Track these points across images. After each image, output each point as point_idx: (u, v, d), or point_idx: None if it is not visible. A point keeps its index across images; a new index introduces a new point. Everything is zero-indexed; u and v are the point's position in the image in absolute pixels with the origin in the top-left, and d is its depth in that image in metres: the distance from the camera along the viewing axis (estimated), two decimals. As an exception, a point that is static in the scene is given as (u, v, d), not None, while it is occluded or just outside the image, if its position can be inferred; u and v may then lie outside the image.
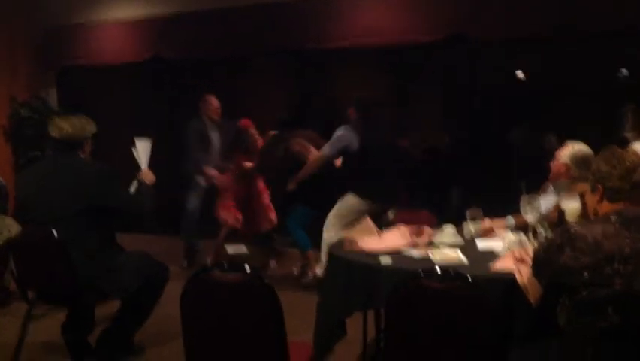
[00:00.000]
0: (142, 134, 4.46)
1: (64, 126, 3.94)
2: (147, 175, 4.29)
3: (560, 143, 4.01)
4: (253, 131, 6.60)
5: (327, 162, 5.71)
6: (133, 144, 4.41)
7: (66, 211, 3.79)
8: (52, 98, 9.47)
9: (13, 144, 8.94)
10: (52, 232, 3.76)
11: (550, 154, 3.99)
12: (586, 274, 2.33)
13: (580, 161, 3.84)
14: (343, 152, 5.61)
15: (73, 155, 4.01)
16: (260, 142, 6.57)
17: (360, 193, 5.44)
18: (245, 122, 6.66)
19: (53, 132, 3.95)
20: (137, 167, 4.35)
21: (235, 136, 6.62)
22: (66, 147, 3.99)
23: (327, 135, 5.81)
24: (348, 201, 5.47)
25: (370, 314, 4.20)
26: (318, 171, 5.73)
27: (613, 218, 2.43)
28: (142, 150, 4.38)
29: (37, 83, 9.34)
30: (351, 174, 5.65)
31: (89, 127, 4.07)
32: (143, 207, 4.17)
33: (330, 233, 5.42)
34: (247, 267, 2.63)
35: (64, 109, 9.22)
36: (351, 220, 4.98)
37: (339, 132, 5.58)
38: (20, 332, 3.97)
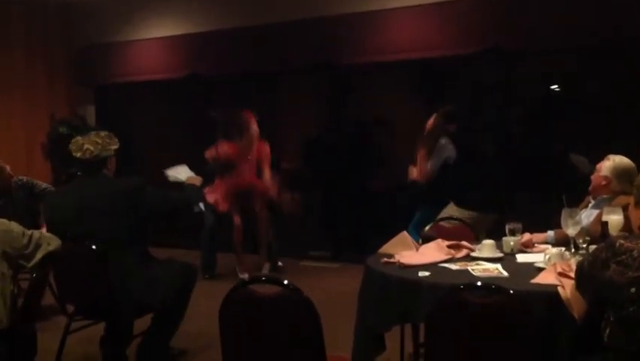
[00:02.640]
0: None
1: (86, 146, 3.96)
2: (193, 180, 4.39)
3: (598, 155, 3.95)
4: (253, 122, 6.66)
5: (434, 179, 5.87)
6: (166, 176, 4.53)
7: (106, 231, 3.80)
8: (91, 115, 9.63)
9: (52, 162, 9.09)
10: (91, 247, 3.80)
11: (579, 173, 3.96)
12: (632, 289, 2.27)
13: (621, 174, 3.77)
14: (445, 162, 5.78)
15: (99, 173, 4.01)
16: (256, 132, 6.65)
17: (461, 203, 5.49)
18: (247, 112, 6.74)
19: (76, 153, 3.98)
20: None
21: (231, 120, 6.73)
22: (91, 167, 4.00)
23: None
24: (449, 211, 5.49)
25: (408, 329, 4.17)
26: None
27: (659, 232, 2.38)
28: (178, 173, 4.46)
29: (76, 101, 9.52)
30: (450, 185, 5.74)
31: (112, 144, 4.06)
32: (189, 200, 4.29)
33: None
34: (286, 281, 2.63)
35: (102, 126, 9.36)
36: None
37: (442, 143, 5.78)
38: (59, 345, 4.01)
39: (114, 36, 9.21)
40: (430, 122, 6.01)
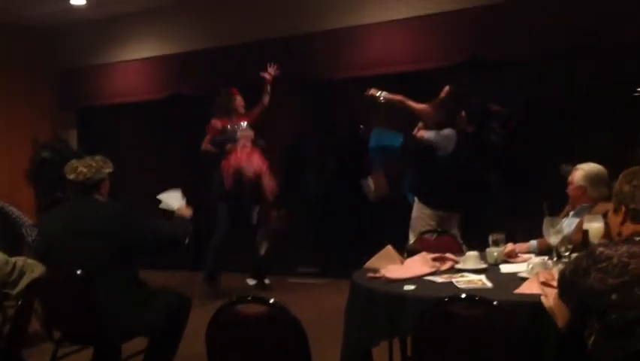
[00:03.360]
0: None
1: (79, 169, 3.95)
2: (183, 210, 4.31)
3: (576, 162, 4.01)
4: (239, 97, 6.95)
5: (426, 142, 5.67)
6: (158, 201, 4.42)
7: (92, 255, 3.77)
8: (73, 138, 9.61)
9: (35, 187, 9.05)
10: (76, 272, 3.78)
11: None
12: (614, 296, 2.30)
13: (594, 179, 3.85)
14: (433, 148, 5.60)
15: (90, 197, 3.99)
16: (242, 107, 6.95)
17: (427, 202, 5.54)
18: (233, 89, 7.03)
19: (70, 175, 3.96)
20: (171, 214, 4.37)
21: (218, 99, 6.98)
22: (83, 189, 3.98)
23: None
24: (417, 211, 5.57)
25: (396, 343, 4.17)
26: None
27: (638, 239, 2.41)
28: (170, 200, 4.38)
29: (59, 125, 9.49)
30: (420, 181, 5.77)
31: (105, 167, 4.06)
32: (175, 235, 4.18)
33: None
34: (272, 300, 2.64)
35: (85, 149, 9.34)
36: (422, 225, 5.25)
37: (447, 130, 5.60)
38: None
39: (96, 58, 9.22)
40: (445, 91, 5.77)
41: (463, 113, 5.71)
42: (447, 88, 5.69)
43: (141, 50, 8.95)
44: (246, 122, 6.98)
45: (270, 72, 7.19)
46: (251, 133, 6.96)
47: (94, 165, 3.99)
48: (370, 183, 6.40)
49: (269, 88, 7.15)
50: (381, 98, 5.81)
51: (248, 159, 6.84)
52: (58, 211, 4.23)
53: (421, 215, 5.56)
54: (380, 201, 7.02)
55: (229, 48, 8.22)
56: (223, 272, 7.05)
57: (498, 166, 7.06)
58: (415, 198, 5.65)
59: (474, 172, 5.82)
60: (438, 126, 5.61)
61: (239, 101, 7.01)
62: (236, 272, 7.27)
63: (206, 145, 6.97)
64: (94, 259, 3.76)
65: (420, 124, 5.74)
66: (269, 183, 6.96)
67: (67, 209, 4.14)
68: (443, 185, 5.50)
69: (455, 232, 5.47)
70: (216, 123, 6.96)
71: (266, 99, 7.15)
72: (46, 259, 3.76)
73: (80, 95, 9.43)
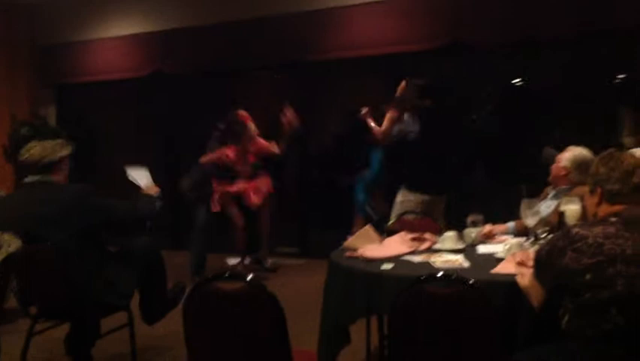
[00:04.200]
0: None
1: (32, 150, 3.88)
2: (150, 189, 4.28)
3: (561, 148, 4.03)
4: (250, 123, 6.75)
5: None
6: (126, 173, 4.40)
7: (52, 238, 3.70)
8: (52, 115, 9.51)
9: (14, 164, 8.96)
10: (51, 248, 3.76)
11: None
12: (588, 275, 2.33)
13: (580, 165, 3.85)
14: (403, 136, 5.57)
15: (45, 179, 3.90)
16: (255, 133, 6.73)
17: (413, 187, 5.51)
18: (242, 113, 6.80)
19: (22, 156, 3.89)
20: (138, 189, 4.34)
21: (228, 124, 6.77)
22: (36, 171, 3.90)
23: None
24: (402, 197, 5.54)
25: (374, 321, 4.20)
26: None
27: (613, 220, 2.44)
28: (138, 176, 4.35)
29: (37, 102, 9.38)
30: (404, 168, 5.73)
31: (61, 150, 3.97)
32: (138, 214, 4.14)
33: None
34: (249, 276, 2.64)
35: (64, 127, 9.26)
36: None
37: (405, 118, 5.58)
38: (23, 347, 3.97)
39: (76, 35, 9.10)
40: (402, 87, 5.73)
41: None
42: (403, 83, 5.67)
43: (122, 27, 8.85)
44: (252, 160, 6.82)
45: (289, 118, 6.77)
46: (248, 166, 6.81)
47: (48, 147, 3.90)
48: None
49: (287, 138, 6.85)
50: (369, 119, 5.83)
51: (248, 190, 6.78)
52: (15, 194, 4.15)
53: (405, 200, 5.54)
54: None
55: (212, 27, 8.15)
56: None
57: (477, 150, 7.12)
58: (401, 187, 5.64)
59: (450, 152, 5.81)
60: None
61: (252, 129, 6.77)
62: (218, 252, 7.25)
63: (205, 160, 6.81)
64: (54, 242, 3.69)
65: (364, 109, 5.80)
66: (266, 215, 6.95)
67: (24, 192, 4.00)
68: (429, 170, 5.52)
69: (440, 219, 5.45)
70: (229, 155, 6.71)
71: (281, 149, 6.89)
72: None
73: (59, 72, 9.31)
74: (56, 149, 3.92)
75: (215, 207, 6.74)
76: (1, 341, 3.35)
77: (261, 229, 7.06)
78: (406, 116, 5.58)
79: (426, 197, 5.39)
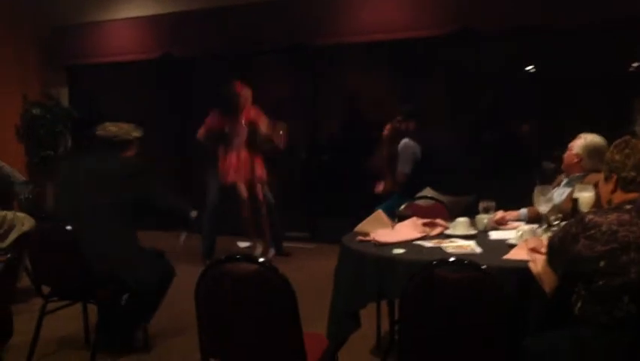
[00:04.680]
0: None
1: (110, 128, 4.23)
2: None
3: (571, 135, 4.00)
4: (245, 94, 6.71)
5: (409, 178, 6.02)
6: None
7: (96, 204, 3.97)
8: (64, 96, 9.53)
9: (26, 144, 9.00)
10: (65, 227, 3.80)
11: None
12: (601, 262, 2.32)
13: (592, 151, 3.83)
14: (415, 160, 5.95)
15: (114, 153, 4.20)
16: (248, 101, 6.69)
17: (436, 188, 5.62)
18: (238, 83, 6.76)
19: (99, 131, 4.21)
20: None
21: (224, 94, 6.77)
22: (108, 147, 4.20)
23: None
24: (425, 193, 5.61)
25: (384, 306, 4.22)
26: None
27: (628, 207, 2.43)
28: None
29: (49, 82, 9.39)
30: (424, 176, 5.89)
31: (134, 132, 4.31)
32: (171, 210, 4.46)
33: None
34: (261, 258, 2.65)
35: (76, 107, 9.29)
36: None
37: (404, 144, 5.97)
38: (36, 326, 4.01)
39: (87, 16, 9.09)
40: (387, 129, 6.25)
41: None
42: (388, 126, 6.21)
43: (133, 8, 8.83)
44: (244, 122, 6.73)
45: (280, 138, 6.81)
46: (244, 136, 6.73)
47: (124, 127, 4.27)
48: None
49: (280, 139, 6.81)
50: None
51: (239, 169, 6.74)
52: (78, 160, 4.39)
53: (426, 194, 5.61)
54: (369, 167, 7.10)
55: (222, 10, 8.12)
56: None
57: (486, 138, 7.09)
58: (427, 189, 5.72)
59: (465, 154, 5.99)
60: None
61: (244, 100, 6.72)
62: (227, 235, 7.27)
63: (200, 135, 6.83)
64: (95, 207, 3.96)
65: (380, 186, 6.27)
66: (260, 193, 6.87)
67: (86, 160, 4.29)
68: (451, 170, 5.63)
69: None
70: (214, 122, 6.73)
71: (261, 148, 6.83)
72: (58, 202, 4.08)
73: (70, 53, 9.31)
74: (130, 130, 4.27)
75: (231, 177, 6.72)
76: (15, 321, 3.38)
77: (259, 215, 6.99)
78: (404, 142, 5.97)
79: (448, 197, 5.44)
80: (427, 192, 5.56)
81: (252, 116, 6.69)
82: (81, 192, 4.05)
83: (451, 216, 4.15)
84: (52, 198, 4.12)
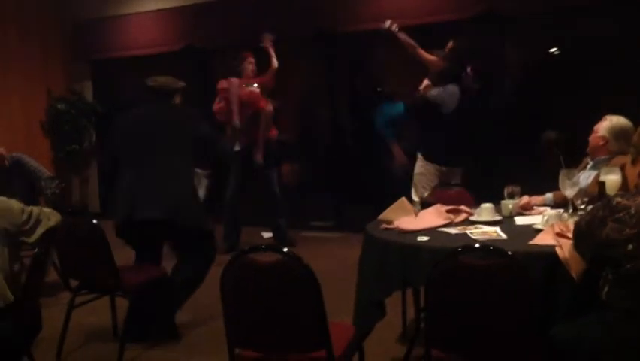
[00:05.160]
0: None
1: (159, 79, 4.58)
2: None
3: (597, 116, 3.94)
4: (249, 61, 6.92)
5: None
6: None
7: (160, 149, 4.32)
8: (88, 90, 9.60)
9: (51, 138, 9.10)
10: (92, 221, 3.84)
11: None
12: (630, 246, 2.29)
13: (618, 133, 3.76)
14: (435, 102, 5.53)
15: (166, 101, 4.55)
16: (252, 70, 6.89)
17: (429, 158, 5.57)
18: (247, 53, 6.97)
19: (150, 83, 4.55)
20: None
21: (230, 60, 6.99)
22: (159, 96, 4.54)
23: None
24: (419, 167, 5.61)
25: (409, 294, 4.20)
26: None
27: (656, 189, 2.39)
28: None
29: (73, 76, 9.48)
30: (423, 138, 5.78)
31: (180, 82, 4.68)
32: (221, 149, 4.98)
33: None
34: (285, 248, 2.65)
35: (99, 101, 9.35)
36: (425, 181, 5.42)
37: (450, 88, 5.51)
38: (64, 320, 4.06)
39: (109, 10, 9.15)
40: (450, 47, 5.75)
41: (470, 70, 5.62)
42: (451, 43, 5.67)
43: (154, 1, 8.87)
44: (255, 85, 6.88)
45: (268, 40, 7.01)
46: (255, 89, 6.86)
47: (170, 78, 4.65)
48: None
49: (273, 52, 6.96)
50: (395, 28, 5.89)
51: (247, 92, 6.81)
52: (137, 111, 4.64)
53: (424, 171, 5.55)
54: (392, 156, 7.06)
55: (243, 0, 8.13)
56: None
57: (511, 119, 7.00)
58: (419, 156, 5.63)
59: (478, 127, 5.78)
60: (444, 81, 5.55)
61: (247, 64, 6.89)
62: (252, 225, 7.29)
63: (215, 107, 6.93)
64: (162, 153, 4.31)
65: (426, 81, 5.68)
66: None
67: (144, 110, 4.59)
68: (447, 141, 5.48)
69: None
70: (222, 84, 6.87)
71: (274, 63, 6.94)
72: (117, 152, 4.45)
73: (93, 48, 9.37)
74: (176, 80, 4.65)
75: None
76: (43, 315, 3.42)
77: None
78: (452, 87, 5.52)
79: (443, 168, 5.43)
80: (421, 163, 5.58)
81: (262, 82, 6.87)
82: (145, 140, 4.35)
83: (473, 201, 4.12)
84: (78, 191, 4.18)
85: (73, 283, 4.13)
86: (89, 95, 9.55)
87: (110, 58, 9.29)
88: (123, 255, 4.32)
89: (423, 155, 5.57)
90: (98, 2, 9.17)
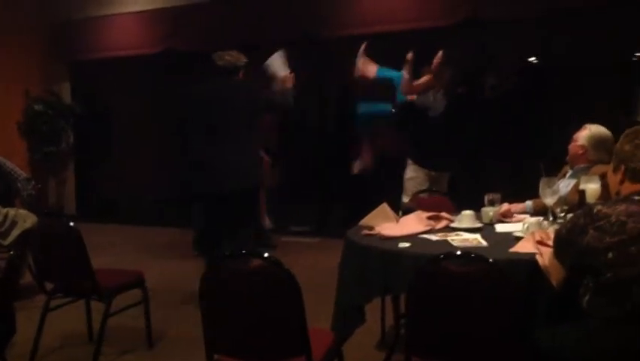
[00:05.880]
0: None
1: (225, 57, 4.98)
2: (288, 80, 5.10)
3: (577, 123, 3.97)
4: None
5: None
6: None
7: (232, 122, 4.79)
8: (66, 91, 9.51)
9: (28, 140, 8.99)
10: (69, 223, 3.79)
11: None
12: (610, 254, 2.29)
13: (597, 143, 3.79)
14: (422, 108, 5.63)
15: (232, 77, 4.98)
16: None
17: (419, 162, 5.65)
18: None
19: (218, 61, 4.95)
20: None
21: None
22: (227, 72, 4.97)
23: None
24: (410, 172, 5.67)
25: (388, 301, 4.19)
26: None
27: (636, 198, 2.39)
28: (276, 66, 5.14)
29: (51, 78, 9.38)
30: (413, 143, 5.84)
31: (242, 58, 5.05)
32: (276, 104, 5.18)
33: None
34: (266, 254, 2.62)
35: (78, 103, 9.27)
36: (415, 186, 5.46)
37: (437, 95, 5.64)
38: (39, 323, 3.99)
39: (89, 11, 9.08)
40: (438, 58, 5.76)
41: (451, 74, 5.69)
42: (440, 54, 5.69)
43: (135, 2, 8.81)
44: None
45: None
46: None
47: (234, 54, 5.02)
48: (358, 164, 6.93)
49: None
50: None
51: None
52: (206, 86, 5.04)
53: (414, 176, 5.60)
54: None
55: (224, 3, 8.10)
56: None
57: (493, 127, 7.03)
58: (409, 160, 5.68)
59: (465, 132, 5.82)
60: (452, 88, 5.68)
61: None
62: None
63: None
64: (230, 124, 4.77)
65: (426, 77, 5.75)
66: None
67: (214, 85, 5.00)
68: (435, 145, 5.53)
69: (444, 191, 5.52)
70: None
71: None
72: (188, 127, 4.95)
73: (72, 49, 9.30)
74: (240, 57, 5.02)
75: None
76: (18, 318, 3.36)
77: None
78: (438, 95, 5.64)
79: (432, 172, 5.48)
80: (411, 168, 5.63)
81: None
82: (216, 115, 4.81)
83: (454, 207, 4.13)
84: (55, 193, 4.12)
85: (49, 286, 4.06)
86: (67, 96, 9.46)
87: (89, 59, 9.23)
88: (99, 258, 4.27)
89: (412, 159, 5.62)
90: (78, 3, 9.10)
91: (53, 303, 4.06)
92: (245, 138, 4.80)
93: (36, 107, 8.87)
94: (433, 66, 5.62)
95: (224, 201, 4.74)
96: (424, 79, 5.65)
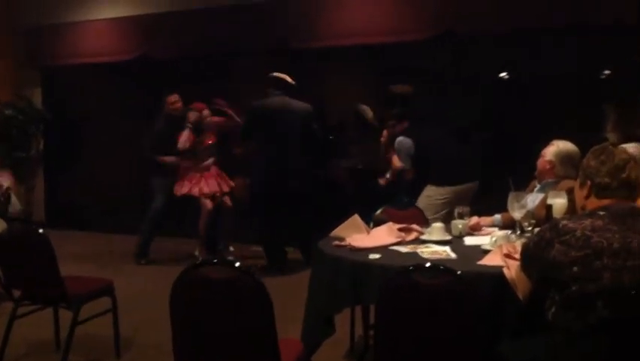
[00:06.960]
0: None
1: (282, 76, 6.40)
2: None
3: (549, 139, 4.04)
4: (206, 112, 7.11)
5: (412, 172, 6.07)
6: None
7: (295, 133, 6.33)
8: (38, 97, 9.41)
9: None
10: (37, 231, 3.75)
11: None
12: (575, 268, 2.34)
13: (565, 158, 3.87)
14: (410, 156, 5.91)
15: (286, 95, 6.40)
16: (210, 117, 7.12)
17: (438, 182, 5.62)
18: (198, 105, 7.14)
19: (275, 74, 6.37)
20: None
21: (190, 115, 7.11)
22: (284, 90, 6.38)
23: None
24: (427, 193, 5.62)
25: (358, 312, 4.22)
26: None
27: (601, 213, 2.44)
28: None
29: (21, 83, 9.28)
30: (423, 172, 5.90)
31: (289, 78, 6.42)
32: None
33: None
34: (237, 263, 2.63)
35: (50, 109, 9.18)
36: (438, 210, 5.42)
37: (398, 142, 5.93)
38: (5, 330, 3.94)
39: (62, 17, 8.99)
40: (384, 136, 6.45)
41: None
42: (385, 132, 6.42)
43: (109, 9, 8.76)
44: (211, 142, 7.16)
45: (222, 104, 7.33)
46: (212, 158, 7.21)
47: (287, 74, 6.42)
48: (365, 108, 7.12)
49: (231, 112, 7.24)
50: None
51: (207, 182, 7.09)
52: (269, 102, 6.43)
53: (433, 195, 5.62)
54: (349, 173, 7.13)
55: (199, 11, 8.09)
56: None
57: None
58: (427, 187, 5.70)
59: (463, 142, 6.01)
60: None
61: (208, 120, 7.13)
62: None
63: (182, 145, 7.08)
64: (292, 133, 6.33)
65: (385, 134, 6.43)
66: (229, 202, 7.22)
67: (284, 99, 6.43)
68: (447, 160, 5.65)
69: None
70: (185, 142, 7.00)
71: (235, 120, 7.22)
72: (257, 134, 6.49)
73: (44, 54, 9.20)
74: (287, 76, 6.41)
75: (179, 191, 7.04)
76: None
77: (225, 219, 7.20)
78: (399, 139, 5.92)
79: (452, 188, 5.52)
80: (429, 190, 5.62)
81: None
82: (281, 125, 6.27)
83: (425, 221, 4.18)
84: (24, 200, 4.07)
85: (17, 293, 4.02)
86: (38, 102, 9.36)
87: (62, 65, 9.14)
88: (68, 265, 4.24)
89: (432, 183, 5.67)
90: (51, 9, 9.02)
91: (20, 310, 4.02)
92: (301, 148, 6.30)
93: (6, 111, 8.76)
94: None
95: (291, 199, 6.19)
96: (393, 159, 6.14)
